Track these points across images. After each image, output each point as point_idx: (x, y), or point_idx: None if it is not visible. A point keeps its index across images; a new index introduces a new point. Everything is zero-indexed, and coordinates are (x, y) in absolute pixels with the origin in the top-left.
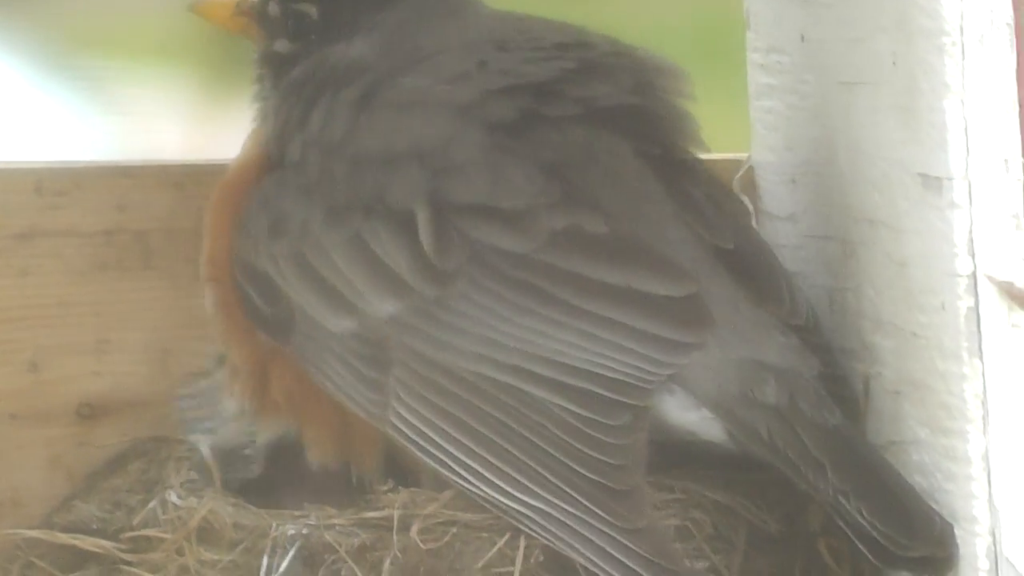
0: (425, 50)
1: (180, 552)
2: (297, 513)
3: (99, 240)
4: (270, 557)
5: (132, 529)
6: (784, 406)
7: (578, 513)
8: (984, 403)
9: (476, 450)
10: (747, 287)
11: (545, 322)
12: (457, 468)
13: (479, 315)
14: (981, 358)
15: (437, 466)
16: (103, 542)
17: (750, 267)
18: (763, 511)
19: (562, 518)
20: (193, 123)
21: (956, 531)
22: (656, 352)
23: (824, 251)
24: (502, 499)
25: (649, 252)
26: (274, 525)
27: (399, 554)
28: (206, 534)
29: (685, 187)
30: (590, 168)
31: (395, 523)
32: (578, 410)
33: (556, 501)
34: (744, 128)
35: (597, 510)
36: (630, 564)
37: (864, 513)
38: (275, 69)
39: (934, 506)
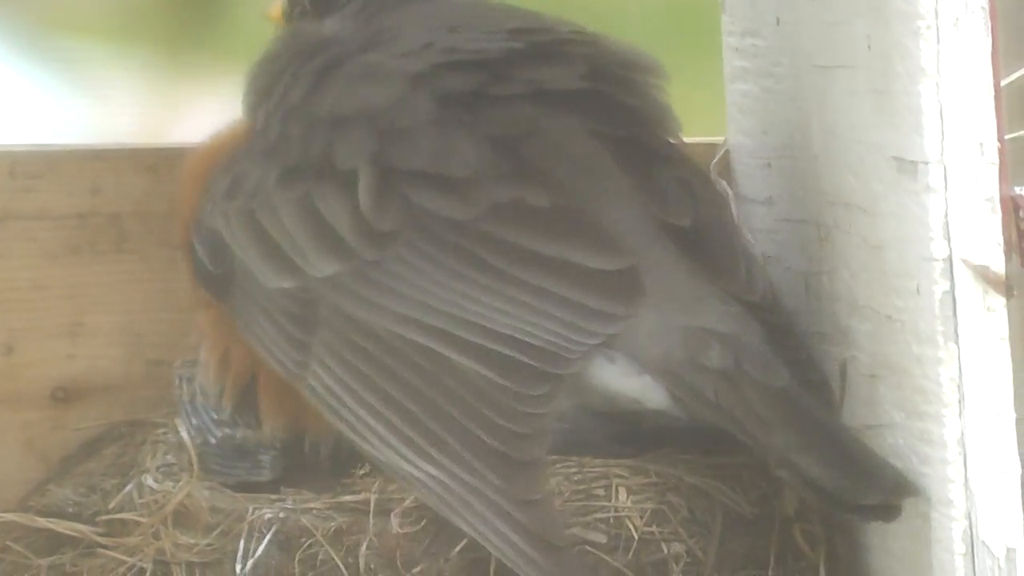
0: (384, 33)
1: (156, 536)
2: (274, 497)
3: (73, 223)
4: (246, 541)
5: (108, 513)
6: (730, 369)
7: (474, 482)
8: (960, 387)
9: (384, 412)
10: (698, 262)
11: (476, 287)
12: (363, 431)
13: (412, 277)
14: (957, 342)
15: (346, 428)
16: (79, 526)
17: (706, 245)
18: (738, 495)
19: (456, 487)
20: (168, 107)
21: (932, 514)
22: (582, 321)
23: (799, 234)
24: (402, 464)
25: (587, 226)
26: (251, 509)
27: (375, 538)
28: (182, 518)
29: (649, 169)
30: (537, 144)
31: (372, 507)
32: (497, 378)
33: (454, 468)
34: (720, 112)
35: (493, 478)
36: (515, 538)
37: (815, 466)
38: None
39: (889, 462)
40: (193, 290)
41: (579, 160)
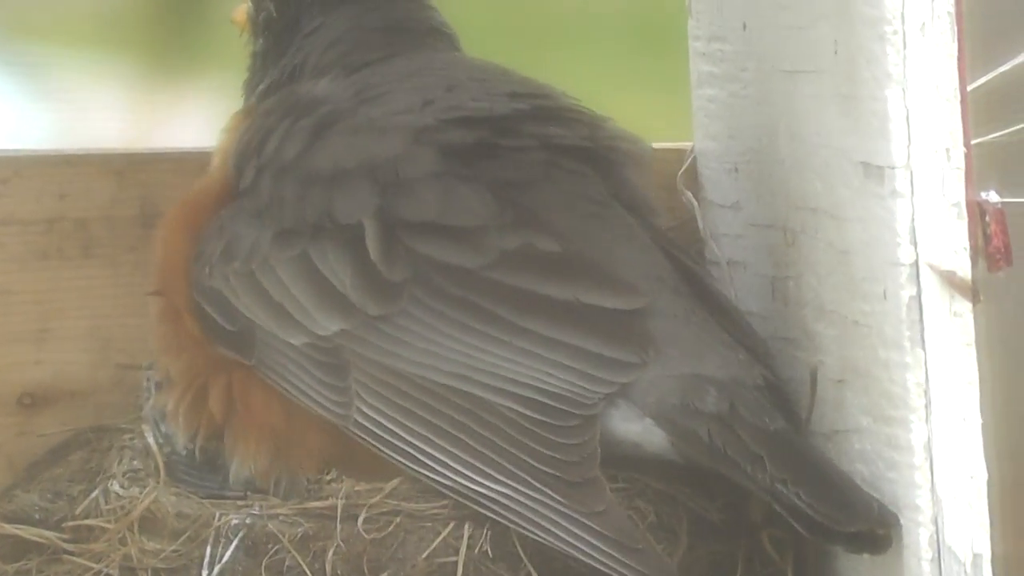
0: (372, 90)
1: (123, 542)
2: (240, 503)
3: (40, 228)
4: (213, 547)
5: (74, 519)
6: (725, 413)
7: (540, 498)
8: (926, 392)
9: (438, 442)
10: (706, 307)
11: (485, 339)
12: (422, 459)
13: (421, 331)
14: (923, 347)
15: (402, 459)
16: (45, 532)
17: (713, 292)
18: (705, 501)
19: (526, 502)
20: (134, 111)
21: (899, 519)
22: (596, 371)
23: (766, 239)
24: (467, 484)
25: (599, 268)
26: (217, 515)
27: (342, 544)
28: (149, 524)
29: (653, 220)
30: (545, 189)
31: (339, 512)
32: (527, 412)
33: (518, 487)
34: (686, 116)
35: (557, 497)
36: (596, 543)
37: (802, 496)
38: (251, 70)
39: (876, 495)
40: (167, 335)
41: (588, 205)
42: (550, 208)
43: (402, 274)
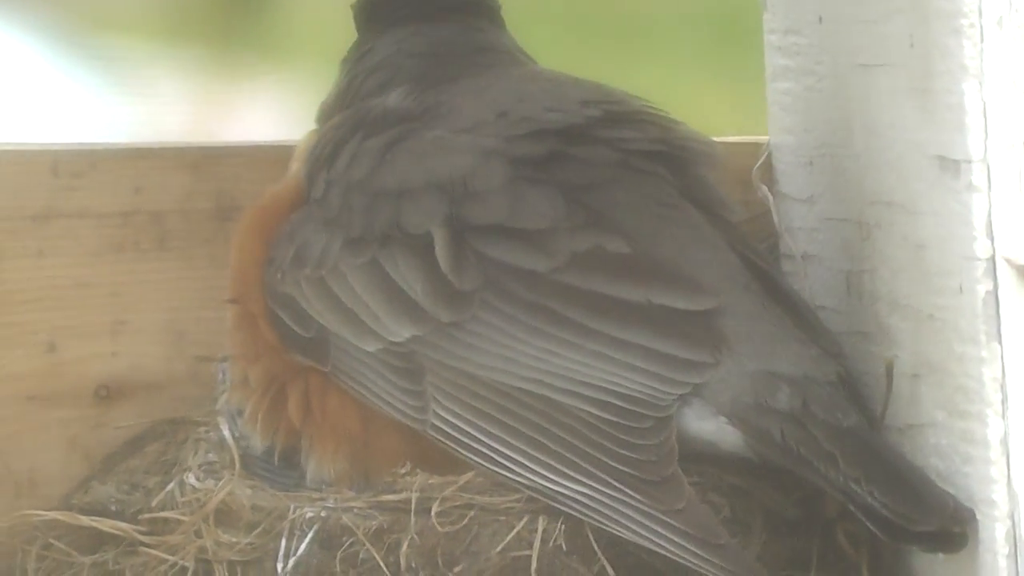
0: (442, 107)
1: (198, 534)
2: (315, 496)
3: (115, 221)
4: (288, 539)
5: (150, 511)
6: (797, 410)
7: (620, 496)
8: (1003, 386)
9: (514, 443)
10: (779, 305)
11: (558, 343)
12: (501, 460)
13: (494, 336)
14: (1000, 341)
15: (481, 461)
16: (121, 524)
17: (785, 290)
18: (780, 496)
19: (607, 500)
20: (209, 104)
21: (975, 515)
22: (670, 372)
23: (841, 233)
24: (547, 484)
25: (670, 269)
26: (292, 507)
27: (416, 537)
28: (224, 516)
29: (727, 218)
30: (615, 192)
31: (413, 506)
32: (602, 414)
33: (598, 486)
34: (761, 110)
35: (636, 495)
36: (677, 539)
37: (876, 495)
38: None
39: (951, 490)
40: (245, 341)
41: (658, 206)
42: (620, 209)
43: (472, 283)
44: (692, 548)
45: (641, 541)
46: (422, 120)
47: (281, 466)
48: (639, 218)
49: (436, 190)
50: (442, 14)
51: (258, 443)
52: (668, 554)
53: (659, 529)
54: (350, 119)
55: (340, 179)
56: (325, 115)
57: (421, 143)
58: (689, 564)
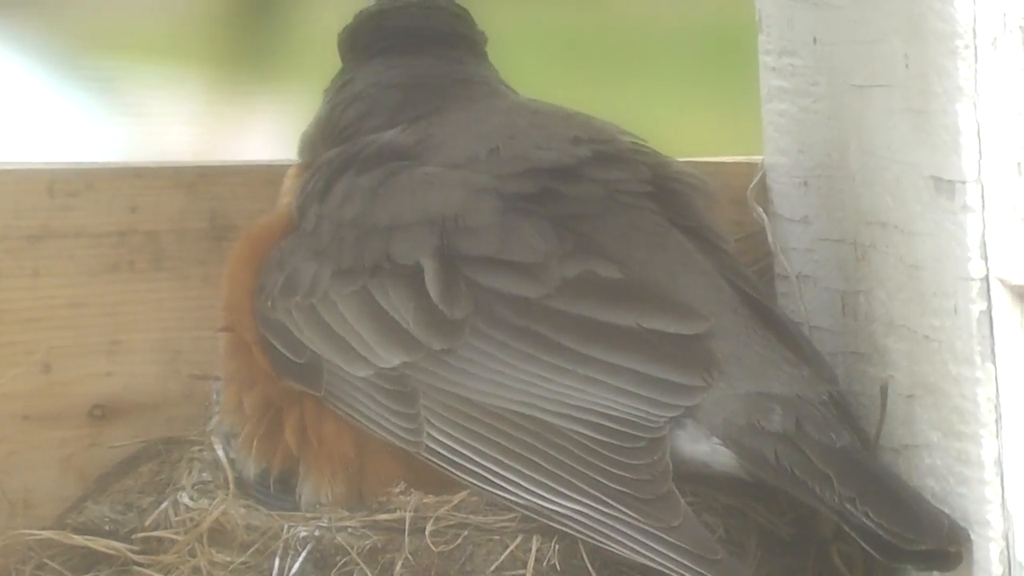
0: (434, 139)
1: (192, 554)
2: (309, 515)
3: (111, 241)
4: (282, 559)
5: (144, 530)
6: (791, 431)
7: (615, 514)
8: (997, 407)
9: (508, 463)
10: (769, 329)
11: (549, 369)
12: (495, 480)
13: (486, 362)
14: (994, 362)
15: (476, 482)
16: (115, 543)
17: (774, 314)
18: (775, 515)
19: (602, 518)
20: (204, 124)
21: (969, 535)
22: (661, 395)
23: (836, 254)
24: (542, 504)
25: (661, 293)
26: (286, 527)
27: (411, 556)
28: (218, 536)
29: (718, 247)
30: (605, 219)
31: (407, 525)
32: (595, 435)
33: (593, 504)
34: (756, 131)
35: (632, 513)
36: (674, 556)
37: (871, 515)
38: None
39: (946, 510)
40: (239, 368)
41: (648, 235)
42: (609, 236)
43: (463, 311)
44: (689, 564)
45: (637, 558)
46: (415, 155)
47: (276, 490)
48: (629, 244)
49: (427, 224)
50: (421, 46)
51: (252, 468)
52: (665, 570)
53: (655, 546)
54: (343, 154)
55: (332, 215)
56: (306, 145)
57: (412, 179)
58: None
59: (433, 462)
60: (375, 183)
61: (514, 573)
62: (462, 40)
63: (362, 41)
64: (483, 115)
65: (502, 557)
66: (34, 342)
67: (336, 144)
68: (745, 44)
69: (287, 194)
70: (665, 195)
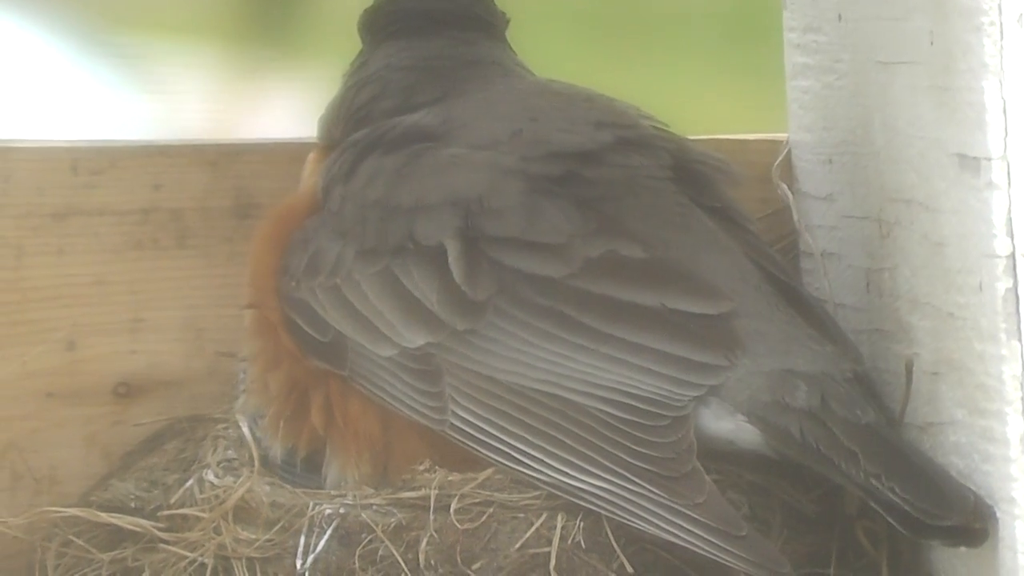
0: (455, 121)
1: (217, 531)
2: (334, 492)
3: (135, 219)
4: (307, 536)
5: (169, 508)
6: (816, 407)
7: (639, 491)
8: (1022, 385)
9: (533, 440)
10: (792, 306)
11: (572, 348)
12: (520, 457)
13: (508, 342)
14: (1020, 339)
15: (501, 459)
16: (140, 520)
17: (798, 292)
18: (799, 492)
19: (627, 495)
20: (228, 101)
21: (995, 512)
22: (684, 374)
23: (861, 231)
24: (567, 481)
25: (684, 272)
26: (311, 504)
27: (435, 534)
28: (243, 513)
29: (742, 225)
30: (629, 200)
31: (432, 503)
32: (619, 413)
33: (618, 481)
34: (780, 108)
35: (656, 489)
36: (699, 532)
37: (897, 491)
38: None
39: (971, 487)
40: (265, 347)
41: (671, 215)
42: (633, 216)
43: (486, 291)
44: (714, 540)
45: (662, 535)
46: (440, 136)
47: (303, 470)
48: (652, 224)
49: (451, 205)
50: (435, 28)
51: (278, 448)
52: (690, 547)
53: (680, 522)
54: (369, 135)
55: (356, 195)
56: (325, 127)
57: (438, 160)
58: (711, 556)
59: (458, 440)
60: (400, 164)
61: (539, 550)
62: (478, 21)
63: (379, 23)
64: (504, 97)
65: (527, 534)
66: (58, 319)
67: (351, 126)
68: (770, 21)
69: (311, 176)
70: (688, 176)
